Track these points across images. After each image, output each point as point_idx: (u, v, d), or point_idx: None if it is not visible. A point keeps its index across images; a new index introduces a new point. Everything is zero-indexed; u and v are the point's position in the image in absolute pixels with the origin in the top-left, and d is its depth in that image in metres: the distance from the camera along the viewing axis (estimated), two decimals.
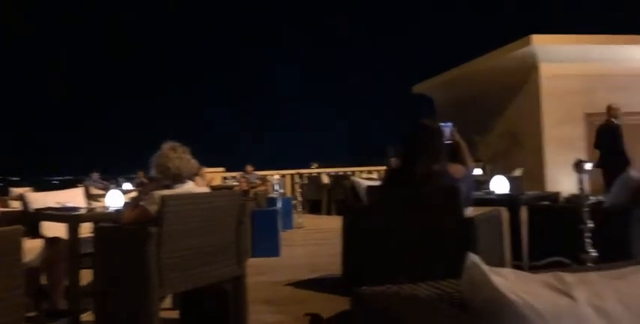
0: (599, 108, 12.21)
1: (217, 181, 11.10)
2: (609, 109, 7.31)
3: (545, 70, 11.96)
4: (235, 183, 10.12)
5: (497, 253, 3.09)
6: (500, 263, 3.14)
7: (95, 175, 12.71)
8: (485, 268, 0.88)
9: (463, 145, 2.95)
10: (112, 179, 12.87)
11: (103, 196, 3.92)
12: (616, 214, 3.39)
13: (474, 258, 0.91)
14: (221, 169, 12.32)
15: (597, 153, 7.38)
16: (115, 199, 3.50)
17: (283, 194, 9.05)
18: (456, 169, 2.76)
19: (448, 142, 2.90)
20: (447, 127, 2.91)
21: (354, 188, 3.91)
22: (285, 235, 6.61)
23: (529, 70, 12.21)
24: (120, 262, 2.60)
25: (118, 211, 3.29)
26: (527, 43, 11.52)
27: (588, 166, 2.71)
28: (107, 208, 3.49)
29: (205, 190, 3.14)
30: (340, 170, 13.26)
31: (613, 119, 7.20)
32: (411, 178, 2.74)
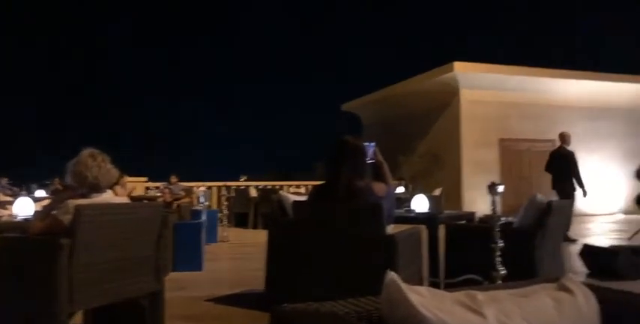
0: (512, 134, 13.15)
1: (139, 191, 10.65)
2: (562, 136, 7.96)
3: (466, 95, 12.71)
4: (158, 194, 9.75)
5: (416, 269, 3.19)
6: (419, 279, 3.25)
7: (3, 181, 11.76)
8: (403, 285, 0.92)
9: (385, 164, 3.05)
10: (23, 185, 11.95)
11: (11, 203, 3.64)
12: (523, 234, 3.63)
13: (392, 276, 0.95)
14: (144, 178, 11.85)
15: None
16: (23, 207, 3.26)
17: (209, 207, 8.84)
18: (379, 187, 2.84)
19: (371, 161, 2.99)
20: (370, 147, 3.00)
21: (281, 202, 3.90)
22: (209, 249, 6.46)
23: (451, 95, 12.92)
24: (26, 275, 2.41)
25: (26, 220, 3.06)
26: (450, 69, 12.21)
27: (501, 188, 2.88)
28: (15, 216, 3.25)
29: (124, 200, 3.00)
30: (269, 184, 13.21)
31: (565, 146, 7.85)
32: (336, 194, 2.79)
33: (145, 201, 7.47)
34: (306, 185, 12.15)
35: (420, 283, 3.31)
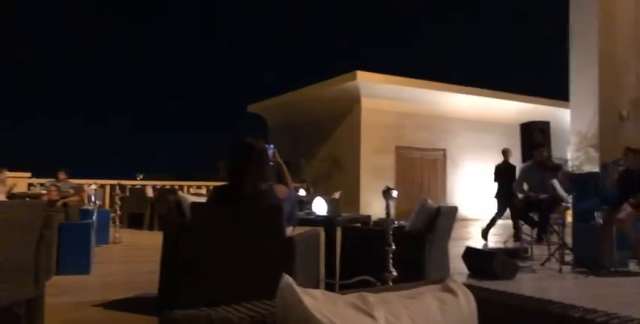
0: (407, 142, 13.90)
1: (21, 188, 9.71)
2: (505, 151, 8.61)
3: (366, 104, 13.23)
4: (43, 191, 8.94)
5: (314, 271, 3.25)
6: (316, 281, 3.31)
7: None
8: (298, 289, 0.93)
9: (284, 166, 3.08)
10: None
11: None
12: (414, 237, 3.85)
13: (287, 279, 0.95)
14: (27, 174, 10.83)
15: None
16: None
17: (100, 206, 8.30)
18: (280, 189, 2.85)
19: (270, 163, 3.00)
20: (269, 148, 3.01)
21: (178, 203, 3.77)
22: (99, 251, 6.08)
23: (353, 102, 13.37)
24: None
25: None
26: (353, 78, 12.64)
27: (395, 193, 3.03)
28: None
29: (1, 198, 2.72)
30: (167, 183, 12.70)
31: (507, 160, 8.54)
32: (237, 195, 2.75)
33: (28, 199, 6.83)
34: (207, 186, 11.87)
35: (317, 285, 3.37)
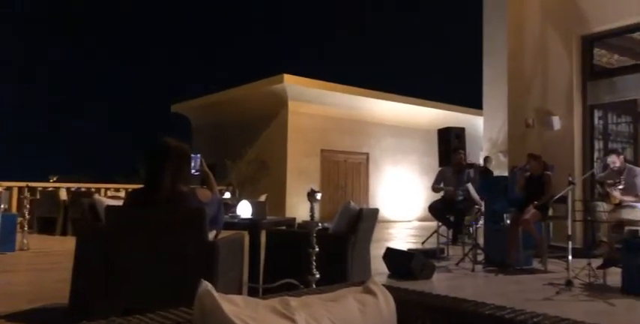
0: (332, 146, 14.12)
1: None
2: (485, 158, 8.99)
3: (293, 107, 13.29)
4: None
5: (237, 275, 3.20)
6: (239, 285, 3.26)
7: None
8: (217, 295, 0.91)
9: (210, 175, 3.02)
10: None
11: None
12: (337, 239, 3.91)
13: (206, 285, 0.93)
14: None
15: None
16: None
17: (6, 210, 7.68)
18: (203, 193, 2.78)
19: (196, 173, 2.93)
20: (196, 158, 2.94)
21: (93, 207, 3.56)
22: (3, 259, 5.63)
23: (280, 105, 13.37)
24: None
25: None
26: (280, 81, 12.65)
27: (319, 195, 3.05)
28: None
29: None
30: (83, 186, 11.97)
31: (488, 166, 8.89)
32: (156, 198, 2.65)
33: None
34: (126, 189, 11.34)
35: (240, 289, 3.32)
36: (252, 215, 4.10)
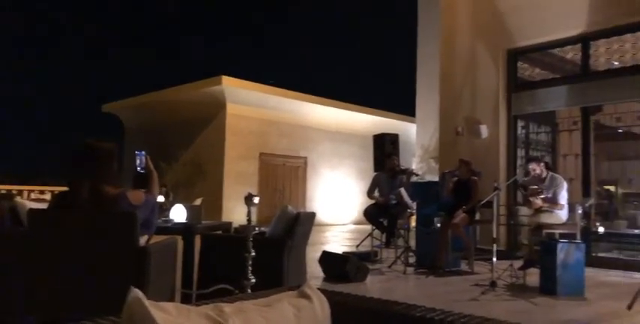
0: (270, 149, 14.07)
1: None
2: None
3: (231, 109, 13.12)
4: None
5: (169, 281, 3.11)
6: (171, 292, 3.18)
7: None
8: (147, 303, 0.88)
9: (155, 174, 2.91)
10: None
11: None
12: (274, 243, 3.90)
13: (135, 293, 0.90)
14: None
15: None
16: None
17: None
18: (135, 195, 2.67)
19: (141, 171, 2.83)
20: (140, 155, 2.83)
21: (14, 210, 3.34)
22: None
23: (218, 107, 13.16)
24: None
25: None
26: (219, 82, 12.45)
27: (256, 199, 3.04)
28: None
29: None
30: (4, 188, 11.17)
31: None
32: (77, 201, 2.52)
33: None
34: (52, 191, 10.70)
35: (173, 296, 3.23)
36: (186, 219, 4.01)
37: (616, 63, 7.33)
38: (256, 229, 4.30)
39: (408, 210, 6.51)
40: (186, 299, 3.56)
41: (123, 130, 16.55)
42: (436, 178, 7.88)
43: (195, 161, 13.22)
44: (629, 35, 7.07)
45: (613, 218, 8.62)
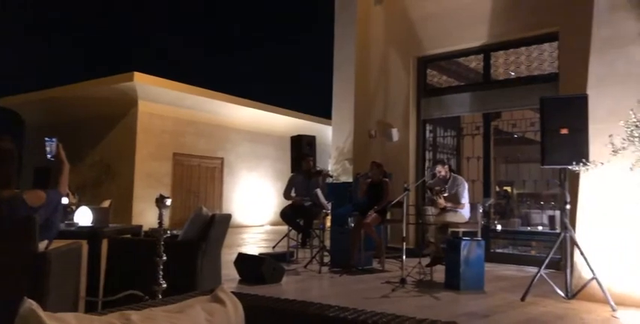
0: (185, 149, 13.67)
1: None
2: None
3: (144, 107, 12.57)
4: None
5: (72, 289, 2.94)
6: (75, 300, 3.00)
7: None
8: (43, 314, 0.84)
9: (66, 166, 2.71)
10: None
11: None
12: (188, 246, 3.80)
13: (29, 304, 0.85)
14: None
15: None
16: None
17: None
18: (33, 196, 2.47)
19: (51, 158, 2.63)
20: (51, 143, 2.63)
21: None
22: None
23: (129, 105, 12.56)
24: None
25: None
26: (130, 79, 11.89)
27: (168, 201, 2.96)
28: None
29: None
30: None
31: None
32: None
33: None
34: None
35: (76, 304, 3.05)
36: (92, 223, 3.80)
37: (513, 73, 7.98)
38: (168, 232, 4.17)
39: (324, 210, 6.63)
40: (91, 308, 3.38)
41: (23, 127, 15.28)
42: (351, 180, 8.10)
43: (104, 161, 12.51)
44: (523, 48, 7.72)
45: (509, 217, 9.36)
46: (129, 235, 4.31)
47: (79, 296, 3.20)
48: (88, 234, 3.57)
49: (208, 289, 1.37)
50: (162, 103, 12.85)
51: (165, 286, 2.89)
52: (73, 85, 13.20)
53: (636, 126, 3.97)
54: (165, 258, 2.93)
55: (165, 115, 13.05)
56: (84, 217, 3.84)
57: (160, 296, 2.81)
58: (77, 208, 4.10)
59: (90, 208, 4.04)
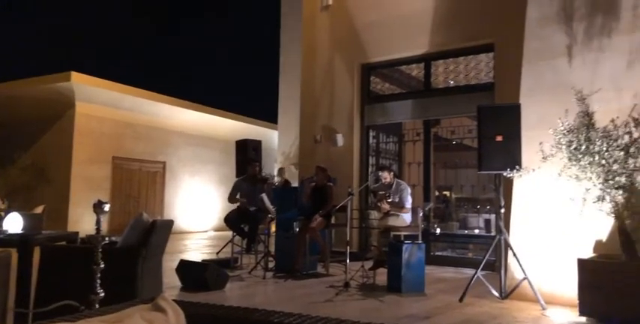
0: (125, 153, 13.21)
1: None
2: (280, 170, 8.97)
3: (82, 109, 12.06)
4: None
5: (0, 300, 2.77)
6: (3, 312, 2.83)
7: None
8: None
9: None
10: None
11: None
12: (127, 253, 3.68)
13: None
14: None
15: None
16: None
17: None
18: None
19: None
20: None
21: None
22: None
23: (66, 106, 12.02)
24: None
25: None
26: (67, 78, 11.37)
27: (107, 207, 2.86)
28: None
29: None
30: None
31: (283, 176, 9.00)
32: None
33: None
34: None
35: (4, 317, 2.88)
36: (23, 229, 3.62)
37: (452, 82, 8.30)
38: (106, 238, 4.03)
39: (269, 215, 6.61)
40: (21, 320, 3.20)
41: None
42: (296, 184, 8.13)
43: (38, 165, 11.86)
44: (462, 58, 8.05)
45: (448, 220, 9.71)
46: (64, 243, 4.13)
47: (8, 308, 3.03)
48: (18, 241, 3.40)
49: (149, 297, 1.34)
50: (101, 104, 12.37)
51: (102, 295, 2.79)
52: (4, 83, 12.46)
53: (564, 134, 4.24)
54: (102, 266, 2.83)
55: (105, 116, 12.57)
56: (14, 223, 3.65)
57: (97, 306, 2.71)
58: (6, 214, 3.88)
59: (21, 213, 3.85)
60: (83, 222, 10.37)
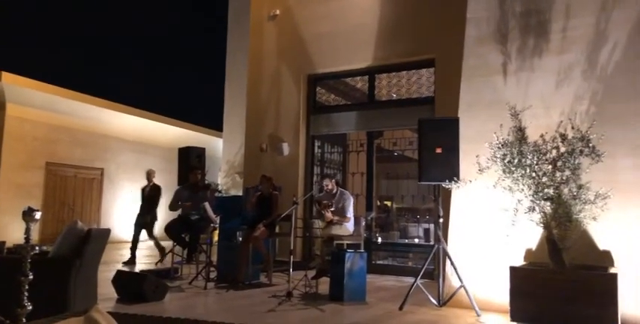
0: (60, 158, 12.60)
1: None
2: (148, 173, 8.81)
3: (13, 111, 11.43)
4: None
5: None
6: None
7: None
8: None
9: None
10: None
11: None
12: (59, 264, 3.52)
13: None
14: None
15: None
16: None
17: None
18: None
19: None
20: None
21: None
22: None
23: None
24: None
25: None
26: None
27: (38, 215, 2.73)
28: None
29: None
30: None
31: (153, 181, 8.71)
32: None
33: None
34: None
35: None
36: None
37: (394, 95, 8.54)
38: (36, 248, 3.83)
39: (212, 224, 6.50)
40: None
41: None
42: (240, 193, 8.05)
43: None
44: (404, 72, 8.31)
45: (389, 229, 9.91)
46: None
47: None
48: None
49: (81, 310, 1.29)
50: (35, 107, 11.76)
51: (30, 308, 2.64)
52: None
53: (499, 147, 4.46)
54: (31, 277, 2.69)
55: (38, 120, 11.95)
56: None
57: (24, 320, 2.56)
58: None
59: None
60: (11, 230, 9.75)
